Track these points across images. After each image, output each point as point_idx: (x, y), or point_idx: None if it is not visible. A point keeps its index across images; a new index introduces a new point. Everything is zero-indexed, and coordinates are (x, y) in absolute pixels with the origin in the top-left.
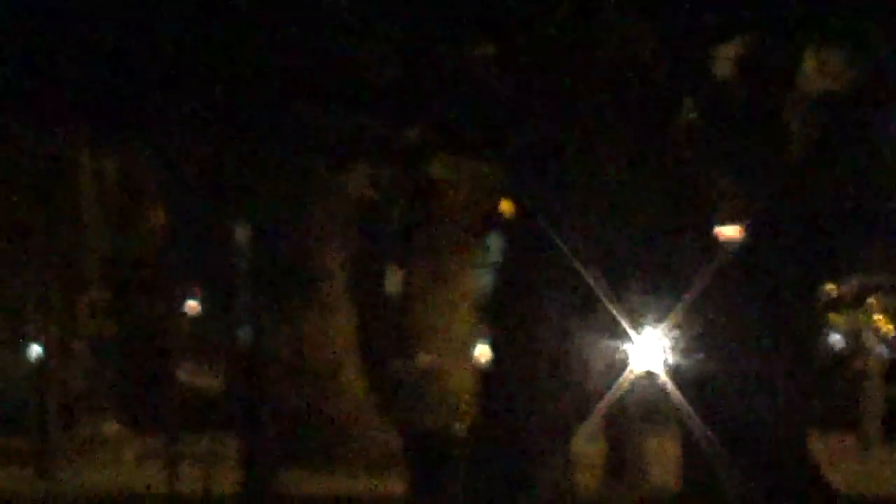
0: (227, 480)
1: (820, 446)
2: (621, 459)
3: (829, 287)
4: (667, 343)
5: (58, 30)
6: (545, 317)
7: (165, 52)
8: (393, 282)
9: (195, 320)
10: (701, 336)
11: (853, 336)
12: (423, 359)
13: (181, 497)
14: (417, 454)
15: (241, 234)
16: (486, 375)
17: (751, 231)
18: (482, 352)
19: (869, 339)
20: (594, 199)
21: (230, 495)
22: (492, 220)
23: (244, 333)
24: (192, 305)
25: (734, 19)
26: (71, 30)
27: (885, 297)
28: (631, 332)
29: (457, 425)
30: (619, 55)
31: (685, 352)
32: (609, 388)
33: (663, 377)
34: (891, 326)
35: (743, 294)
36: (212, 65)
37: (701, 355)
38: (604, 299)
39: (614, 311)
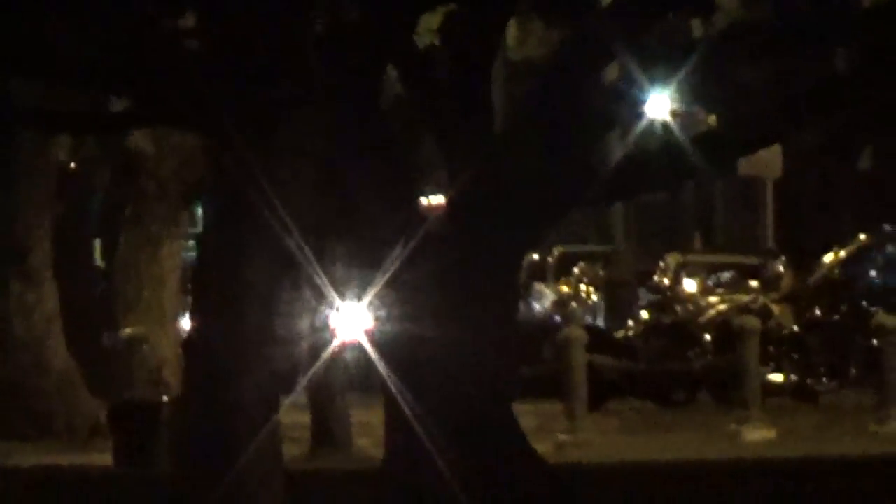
0: None
1: (528, 415)
2: (328, 429)
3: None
4: (373, 313)
5: None
6: (250, 286)
7: None
8: (101, 254)
9: None
10: (407, 306)
11: (561, 306)
12: (130, 330)
13: None
14: (124, 425)
15: None
16: (192, 346)
17: (456, 202)
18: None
19: (574, 309)
20: (302, 170)
21: None
22: (198, 190)
23: None
24: None
25: None
26: None
27: (588, 266)
28: (338, 302)
29: (164, 396)
30: (326, 23)
31: (391, 322)
32: (316, 358)
33: (369, 347)
34: (594, 296)
35: (448, 265)
36: None
37: (407, 325)
38: (310, 269)
39: (321, 282)
